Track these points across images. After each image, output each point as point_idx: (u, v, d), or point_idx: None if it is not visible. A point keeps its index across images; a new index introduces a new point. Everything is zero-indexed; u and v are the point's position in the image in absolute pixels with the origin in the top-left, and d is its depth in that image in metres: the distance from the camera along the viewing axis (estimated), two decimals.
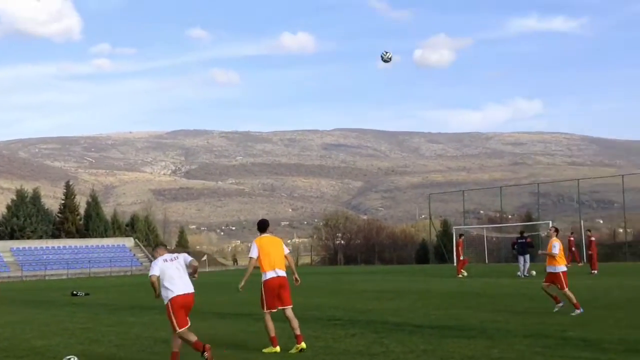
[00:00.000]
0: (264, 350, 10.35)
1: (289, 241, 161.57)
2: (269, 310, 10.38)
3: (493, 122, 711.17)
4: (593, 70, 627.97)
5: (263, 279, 10.40)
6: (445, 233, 60.92)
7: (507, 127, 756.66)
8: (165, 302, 9.35)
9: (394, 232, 77.63)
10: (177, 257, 9.67)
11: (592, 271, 30.64)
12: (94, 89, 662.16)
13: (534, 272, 29.18)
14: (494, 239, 55.86)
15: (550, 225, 48.11)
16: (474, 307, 16.28)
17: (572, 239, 39.87)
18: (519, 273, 29.87)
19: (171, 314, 9.28)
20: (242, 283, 10.70)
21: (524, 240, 30.59)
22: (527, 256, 30.15)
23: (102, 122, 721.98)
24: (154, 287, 9.46)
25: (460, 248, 33.36)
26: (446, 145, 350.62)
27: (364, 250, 70.67)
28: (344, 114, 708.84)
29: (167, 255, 9.66)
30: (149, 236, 79.05)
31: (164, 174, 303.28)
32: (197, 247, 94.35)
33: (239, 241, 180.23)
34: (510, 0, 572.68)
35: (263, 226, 10.80)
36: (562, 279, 14.39)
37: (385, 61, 13.66)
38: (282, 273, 10.50)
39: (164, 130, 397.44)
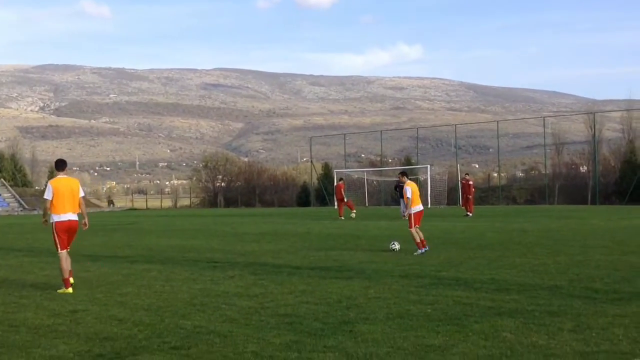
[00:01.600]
0: (58, 291, 10.43)
1: (167, 183, 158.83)
2: (64, 250, 10.60)
3: (375, 66, 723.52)
4: (470, 18, 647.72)
5: (54, 220, 10.58)
6: (326, 176, 61.62)
7: (389, 72, 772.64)
8: None
9: (275, 175, 77.58)
10: None
11: (468, 214, 31.87)
12: None
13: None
14: (374, 182, 57.06)
15: (429, 168, 49.73)
16: (352, 249, 16.52)
17: (464, 182, 41.21)
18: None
19: None
20: (44, 220, 10.97)
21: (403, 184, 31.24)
22: None
23: None
24: None
25: (343, 190, 33.76)
26: (328, 89, 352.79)
27: (244, 192, 70.45)
28: (224, 53, 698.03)
29: None
30: (16, 175, 75.28)
31: (31, 111, 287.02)
32: None
33: (114, 182, 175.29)
34: None
35: (61, 166, 10.91)
36: (411, 218, 15.09)
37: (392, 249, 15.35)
38: (73, 217, 10.72)
39: (30, 64, 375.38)
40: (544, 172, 57.34)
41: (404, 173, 16.74)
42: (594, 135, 52.82)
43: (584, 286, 9.75)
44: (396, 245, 15.50)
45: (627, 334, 6.78)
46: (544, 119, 57.99)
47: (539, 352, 6.20)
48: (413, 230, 15.02)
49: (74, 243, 11.28)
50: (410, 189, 15.36)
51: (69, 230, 10.67)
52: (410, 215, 15.17)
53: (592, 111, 60.52)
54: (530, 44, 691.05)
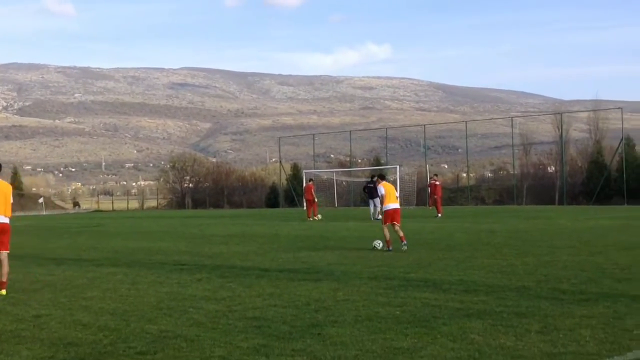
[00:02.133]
0: None
1: (134, 184, 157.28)
2: None
3: (344, 65, 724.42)
4: (439, 18, 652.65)
5: None
6: (295, 177, 61.35)
7: (358, 72, 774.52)
8: None
9: (244, 176, 77.18)
10: None
11: (437, 214, 31.97)
12: None
13: (380, 216, 29.95)
14: (344, 182, 56.91)
15: (398, 169, 49.84)
16: (321, 250, 16.47)
17: (432, 182, 41.26)
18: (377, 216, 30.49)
19: None
20: None
21: (372, 185, 31.25)
22: (377, 200, 30.80)
23: None
24: None
25: (313, 191, 33.65)
26: (297, 88, 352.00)
27: (212, 193, 70.00)
28: (191, 52, 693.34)
29: None
30: None
31: None
32: (33, 189, 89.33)
33: (80, 183, 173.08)
34: None
35: None
36: (382, 217, 16.42)
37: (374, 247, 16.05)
38: (4, 219, 10.80)
39: None
40: (512, 172, 57.81)
41: (381, 176, 17.74)
42: (561, 136, 53.25)
43: (551, 287, 9.82)
44: (378, 244, 16.04)
45: (594, 335, 6.82)
46: (512, 119, 58.46)
47: (507, 353, 6.21)
48: (385, 228, 15.86)
49: (36, 246, 11.09)
50: (384, 188, 16.31)
51: (1, 232, 10.72)
52: (384, 212, 16.22)
53: (560, 111, 61.09)
54: (498, 44, 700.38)
